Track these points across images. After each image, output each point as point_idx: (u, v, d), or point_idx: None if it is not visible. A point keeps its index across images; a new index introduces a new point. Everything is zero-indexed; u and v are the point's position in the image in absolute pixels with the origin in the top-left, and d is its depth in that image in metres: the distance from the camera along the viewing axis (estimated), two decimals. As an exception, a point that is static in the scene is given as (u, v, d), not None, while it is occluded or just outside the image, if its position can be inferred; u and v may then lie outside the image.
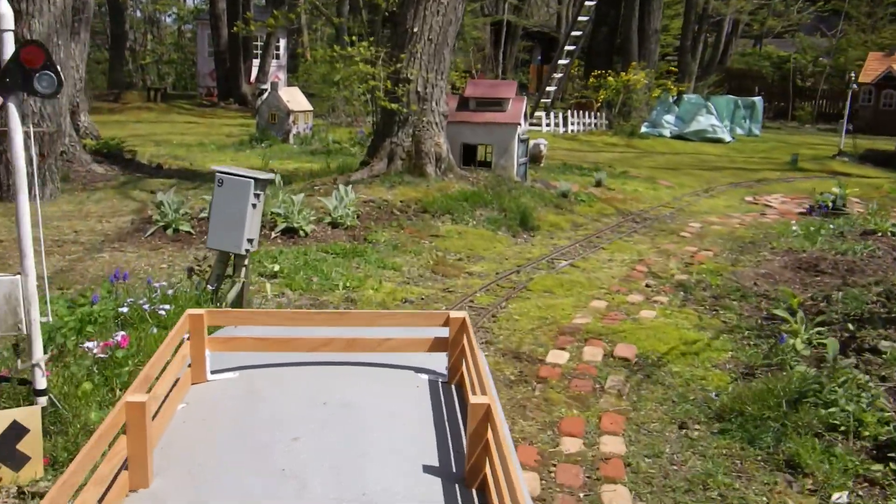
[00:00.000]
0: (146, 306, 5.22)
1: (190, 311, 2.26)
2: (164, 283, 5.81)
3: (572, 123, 23.19)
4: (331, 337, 2.38)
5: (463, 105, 12.28)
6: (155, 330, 5.03)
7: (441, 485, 1.79)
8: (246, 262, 5.82)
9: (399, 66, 11.02)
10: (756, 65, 40.00)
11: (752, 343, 6.31)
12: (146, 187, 11.59)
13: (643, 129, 23.73)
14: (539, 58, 43.37)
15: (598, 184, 13.37)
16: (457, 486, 1.79)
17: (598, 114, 24.09)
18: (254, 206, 5.69)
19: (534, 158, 14.37)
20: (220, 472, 1.82)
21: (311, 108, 17.39)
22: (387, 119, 11.37)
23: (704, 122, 23.63)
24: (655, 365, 5.84)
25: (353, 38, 10.97)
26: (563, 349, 6.08)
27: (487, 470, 1.78)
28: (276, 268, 7.26)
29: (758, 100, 26.49)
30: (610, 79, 23.36)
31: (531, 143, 15.36)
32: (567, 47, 25.64)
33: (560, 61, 25.83)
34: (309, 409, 2.10)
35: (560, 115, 23.23)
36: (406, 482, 1.79)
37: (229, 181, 5.64)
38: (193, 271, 6.02)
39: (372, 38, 12.24)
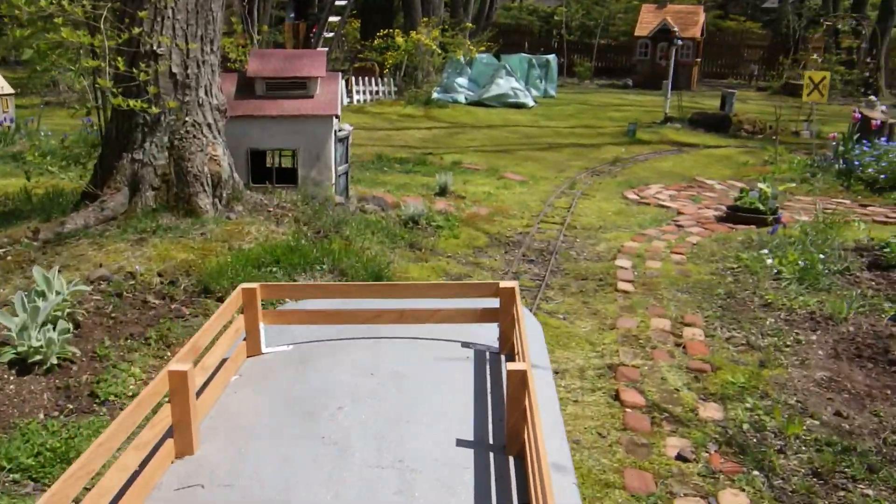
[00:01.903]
0: None
1: (243, 285, 2.15)
2: None
3: (357, 92, 18.79)
4: (382, 309, 2.28)
5: (246, 89, 7.62)
6: None
7: (480, 451, 1.70)
8: None
9: (138, 31, 6.23)
10: (523, 19, 37.29)
11: None
12: None
13: (435, 95, 19.76)
14: (293, 14, 38.17)
15: (444, 191, 9.22)
16: (494, 453, 1.70)
17: (384, 80, 19.82)
18: None
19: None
20: (263, 439, 1.76)
21: (10, 90, 11.81)
22: (123, 123, 6.51)
23: (505, 85, 20.03)
24: None
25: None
26: None
27: (526, 437, 1.64)
28: None
29: (552, 57, 23.31)
30: (398, 38, 19.12)
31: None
32: (338, 2, 21.11)
33: (331, 18, 21.30)
34: (356, 380, 2.01)
35: (342, 83, 18.74)
36: (445, 449, 1.70)
37: None
38: None
39: (85, -15, 7.26)
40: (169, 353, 4.64)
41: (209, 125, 6.65)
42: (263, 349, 2.20)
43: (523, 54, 23.22)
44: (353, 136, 13.22)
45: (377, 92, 19.31)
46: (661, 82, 28.14)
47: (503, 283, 2.19)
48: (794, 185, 10.41)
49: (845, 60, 26.63)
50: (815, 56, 17.14)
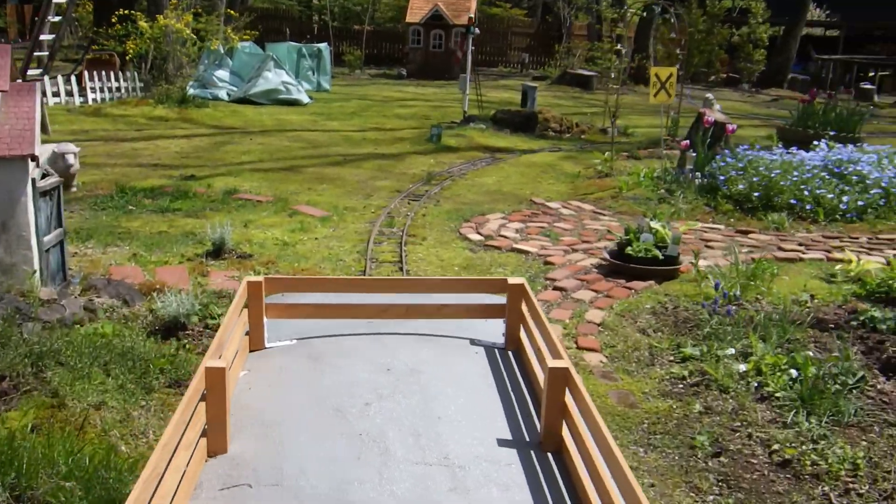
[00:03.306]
0: None
1: (248, 278, 2.09)
2: None
3: (92, 90, 14.88)
4: (389, 303, 2.21)
5: None
6: None
7: (519, 448, 1.67)
8: None
9: None
10: (282, 3, 33.84)
11: None
12: None
13: (191, 91, 16.27)
14: (15, -6, 32.22)
15: (220, 249, 6.18)
16: (533, 449, 1.66)
17: (127, 74, 15.98)
18: None
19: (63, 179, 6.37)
20: (298, 435, 1.68)
21: None
22: None
23: (274, 79, 16.88)
24: None
25: None
26: None
27: (564, 433, 1.64)
28: None
29: (323, 47, 20.35)
30: (142, 24, 15.38)
31: (52, 151, 7.51)
32: (64, -21, 16.95)
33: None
34: (375, 375, 1.94)
35: (72, 79, 14.81)
36: (484, 446, 1.66)
37: None
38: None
39: None
40: None
41: None
42: (266, 344, 2.11)
43: (291, 43, 20.15)
44: (88, 151, 9.74)
45: (119, 89, 15.51)
46: (436, 72, 26.10)
47: (511, 280, 2.14)
48: (653, 204, 8.36)
49: (616, 49, 25.85)
50: (619, 46, 15.50)
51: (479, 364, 2.04)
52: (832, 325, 4.88)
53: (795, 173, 8.14)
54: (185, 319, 4.59)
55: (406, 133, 13.47)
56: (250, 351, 2.09)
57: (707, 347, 4.59)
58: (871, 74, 25.16)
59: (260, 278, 2.08)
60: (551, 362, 1.62)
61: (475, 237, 7.29)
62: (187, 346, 4.43)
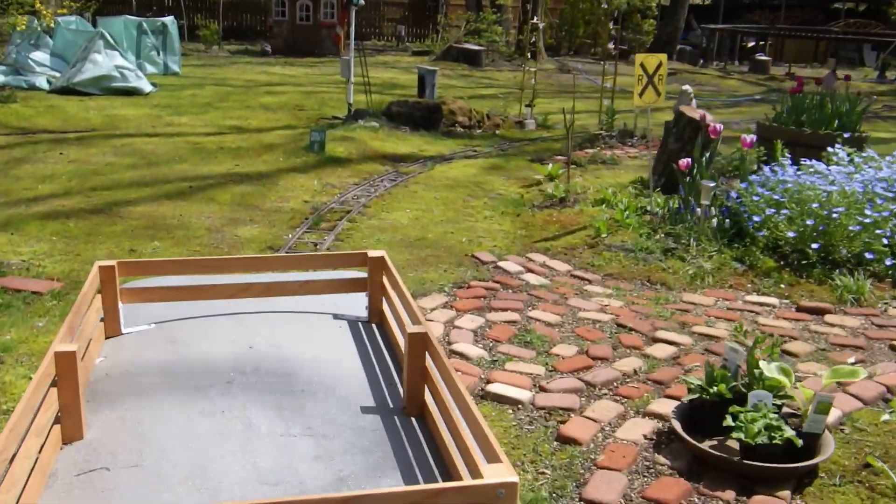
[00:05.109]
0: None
1: (100, 262, 1.88)
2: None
3: None
4: (249, 283, 2.05)
5: None
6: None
7: (382, 415, 1.59)
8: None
9: None
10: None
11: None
12: None
13: (0, 78, 12.21)
14: None
15: None
16: (396, 415, 1.59)
17: None
18: None
19: None
20: (159, 418, 1.54)
21: None
22: None
23: (106, 62, 12.80)
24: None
25: None
26: None
27: (427, 398, 1.57)
28: None
29: (169, 21, 16.21)
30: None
31: None
32: None
33: None
34: (236, 354, 1.80)
35: None
36: (348, 415, 1.57)
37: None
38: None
39: None
40: None
41: None
42: (123, 330, 1.93)
43: (129, 17, 15.90)
44: None
45: None
46: (305, 47, 22.25)
47: (372, 253, 2.02)
48: (656, 259, 5.30)
49: (503, 20, 22.72)
50: (535, 20, 12.36)
51: (343, 337, 1.95)
52: None
53: (867, 210, 5.25)
54: None
55: (277, 135, 9.89)
56: (106, 338, 1.90)
57: None
58: (762, 43, 23.15)
59: (112, 262, 1.89)
60: (411, 328, 1.56)
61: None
62: None
